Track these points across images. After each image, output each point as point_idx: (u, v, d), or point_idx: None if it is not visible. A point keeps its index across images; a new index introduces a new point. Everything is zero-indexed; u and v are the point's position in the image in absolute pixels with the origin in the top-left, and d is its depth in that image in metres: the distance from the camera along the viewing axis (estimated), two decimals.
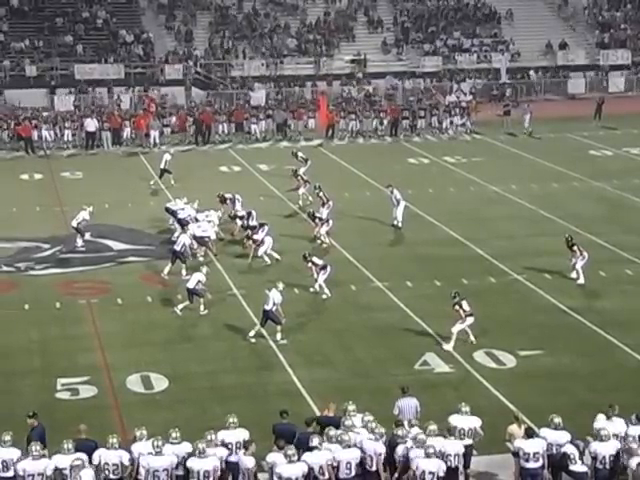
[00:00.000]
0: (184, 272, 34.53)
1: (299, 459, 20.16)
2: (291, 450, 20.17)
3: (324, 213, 39.80)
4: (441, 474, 19.94)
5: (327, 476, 20.16)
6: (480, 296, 33.09)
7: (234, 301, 33.28)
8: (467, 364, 28.03)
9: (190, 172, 50.46)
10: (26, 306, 32.92)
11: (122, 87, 68.93)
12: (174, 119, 61.12)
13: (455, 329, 29.22)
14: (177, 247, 35.22)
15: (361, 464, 20.59)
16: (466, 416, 21.93)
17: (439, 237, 39.81)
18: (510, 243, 38.47)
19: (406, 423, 21.85)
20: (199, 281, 31.52)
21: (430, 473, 19.81)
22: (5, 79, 69.87)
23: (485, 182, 48.24)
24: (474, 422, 21.86)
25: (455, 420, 21.77)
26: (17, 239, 39.48)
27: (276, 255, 36.41)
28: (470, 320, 29.16)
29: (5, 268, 36.79)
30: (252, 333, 29.77)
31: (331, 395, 23.84)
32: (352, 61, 74.50)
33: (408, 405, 23.03)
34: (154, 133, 58.30)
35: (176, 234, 37.16)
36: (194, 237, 36.43)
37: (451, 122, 62.09)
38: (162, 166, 47.38)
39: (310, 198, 43.07)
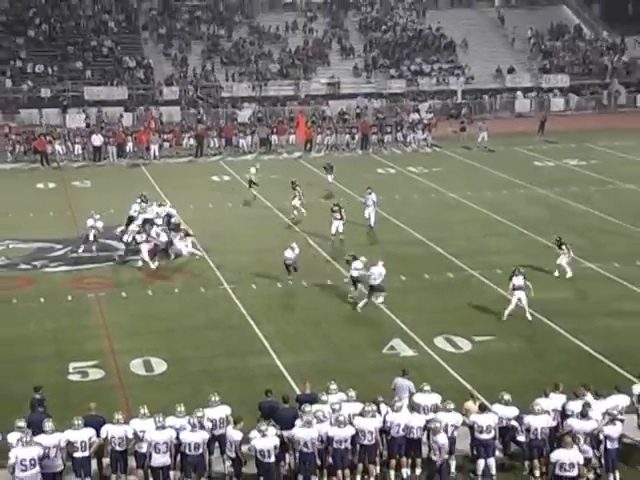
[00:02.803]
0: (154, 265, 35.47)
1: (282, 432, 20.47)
2: (263, 426, 20.34)
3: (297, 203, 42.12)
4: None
5: (312, 450, 20.35)
6: (440, 289, 33.49)
7: (225, 294, 33.27)
8: (429, 349, 28.08)
9: (186, 180, 50.62)
10: (41, 299, 32.87)
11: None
12: (171, 135, 61.15)
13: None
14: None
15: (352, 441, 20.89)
16: (427, 394, 22.11)
17: (405, 238, 39.89)
18: (467, 243, 38.58)
19: (405, 401, 22.35)
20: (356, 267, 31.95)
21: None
22: (23, 100, 69.70)
23: (444, 190, 48.33)
24: (435, 399, 22.00)
25: (418, 398, 21.93)
26: (33, 240, 39.39)
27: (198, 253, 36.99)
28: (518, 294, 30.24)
29: (23, 266, 36.79)
30: (361, 304, 31.20)
31: (310, 377, 23.90)
32: (327, 84, 74.58)
33: (403, 384, 23.19)
34: (154, 147, 58.21)
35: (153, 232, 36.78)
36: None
37: (414, 137, 62.05)
38: (250, 178, 46.49)
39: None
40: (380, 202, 41.76)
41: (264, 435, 20.20)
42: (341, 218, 38.78)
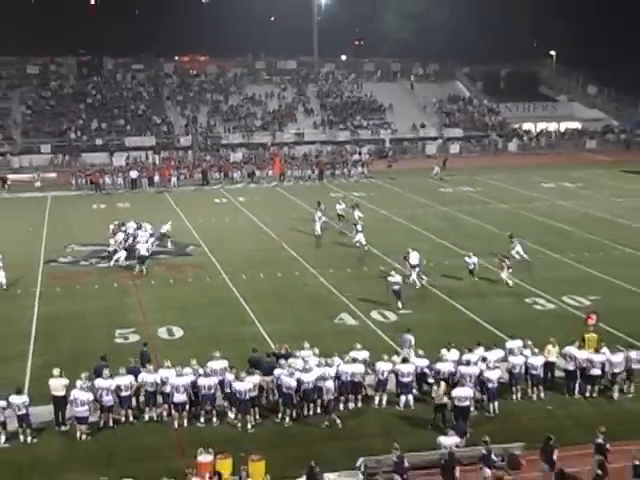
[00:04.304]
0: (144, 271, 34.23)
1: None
2: (243, 373, 20.44)
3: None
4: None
5: (291, 391, 20.36)
6: (374, 278, 33.06)
7: (223, 282, 33.08)
8: (367, 319, 28.05)
9: (196, 202, 50.25)
10: (96, 286, 32.63)
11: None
12: (186, 170, 60.97)
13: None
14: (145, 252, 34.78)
15: None
16: (359, 351, 22.12)
17: (348, 242, 39.73)
18: (392, 245, 38.38)
19: (408, 350, 22.83)
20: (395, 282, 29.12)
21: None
22: (83, 147, 69.14)
23: (377, 208, 48.29)
24: (365, 354, 22.06)
25: (353, 354, 21.90)
26: (90, 244, 38.95)
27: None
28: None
29: (83, 262, 36.38)
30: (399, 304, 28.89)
31: (283, 339, 23.84)
32: (295, 134, 74.46)
33: (405, 338, 23.46)
34: (174, 179, 57.93)
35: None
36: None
37: (355, 171, 62.18)
38: (338, 212, 43.32)
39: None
40: (331, 217, 41.64)
41: (241, 379, 20.31)
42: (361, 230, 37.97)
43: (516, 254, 34.83)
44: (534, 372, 21.67)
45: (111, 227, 38.18)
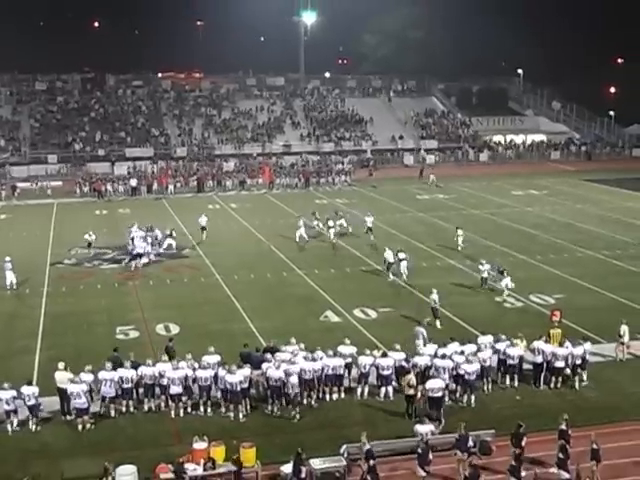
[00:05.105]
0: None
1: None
2: (234, 366, 20.35)
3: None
4: None
5: (279, 383, 20.30)
6: (356, 277, 33.45)
7: (216, 282, 33.05)
8: (350, 316, 28.08)
9: (191, 208, 50.13)
10: (98, 286, 32.57)
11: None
12: (181, 178, 60.86)
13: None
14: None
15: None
16: (348, 346, 22.14)
17: (351, 245, 39.73)
18: (373, 248, 38.57)
19: (420, 342, 22.73)
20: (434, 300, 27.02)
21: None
22: (87, 157, 68.72)
23: (359, 214, 48.09)
24: (352, 349, 22.03)
25: (341, 348, 21.97)
26: (93, 247, 38.78)
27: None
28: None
29: (86, 264, 36.31)
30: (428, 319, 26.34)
31: (272, 335, 23.85)
32: (283, 145, 74.40)
33: (418, 331, 23.39)
34: (171, 187, 57.94)
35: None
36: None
37: (339, 180, 62.11)
38: (368, 225, 40.91)
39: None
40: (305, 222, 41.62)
41: (231, 372, 20.27)
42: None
43: (458, 246, 36.93)
44: (511, 362, 21.80)
45: (134, 230, 37.87)
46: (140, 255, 35.72)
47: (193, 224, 42.79)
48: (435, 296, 27.09)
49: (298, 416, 19.99)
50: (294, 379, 20.24)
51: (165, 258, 37.10)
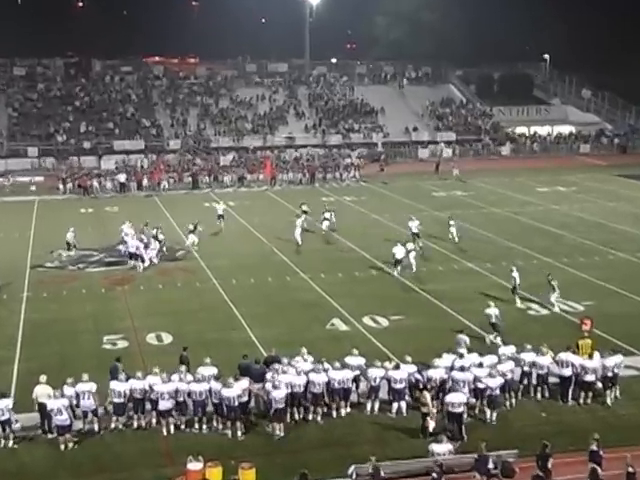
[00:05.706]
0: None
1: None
2: (230, 379, 20.32)
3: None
4: None
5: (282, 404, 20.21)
6: (366, 282, 33.41)
7: (213, 287, 33.06)
8: (358, 325, 28.04)
9: (185, 206, 50.24)
10: (83, 290, 32.60)
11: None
12: (175, 174, 60.93)
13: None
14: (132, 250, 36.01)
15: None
16: (355, 357, 22.07)
17: (340, 246, 39.90)
18: (384, 250, 38.42)
19: (463, 350, 22.51)
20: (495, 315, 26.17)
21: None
22: (71, 150, 68.83)
23: (368, 212, 48.37)
24: (360, 360, 21.97)
25: (349, 359, 21.88)
26: (78, 249, 38.79)
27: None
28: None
29: (71, 267, 36.38)
30: (492, 337, 25.95)
31: (274, 345, 23.78)
32: (286, 137, 74.45)
33: (459, 338, 23.47)
34: (163, 183, 58.06)
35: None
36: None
37: (347, 175, 62.21)
38: (414, 231, 39.82)
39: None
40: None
41: (228, 386, 20.21)
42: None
43: (450, 235, 38.81)
44: (541, 372, 21.78)
45: (125, 228, 38.16)
46: (135, 255, 35.74)
47: (187, 224, 42.83)
48: (494, 310, 26.04)
49: (278, 434, 19.87)
50: (279, 393, 20.10)
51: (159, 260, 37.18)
